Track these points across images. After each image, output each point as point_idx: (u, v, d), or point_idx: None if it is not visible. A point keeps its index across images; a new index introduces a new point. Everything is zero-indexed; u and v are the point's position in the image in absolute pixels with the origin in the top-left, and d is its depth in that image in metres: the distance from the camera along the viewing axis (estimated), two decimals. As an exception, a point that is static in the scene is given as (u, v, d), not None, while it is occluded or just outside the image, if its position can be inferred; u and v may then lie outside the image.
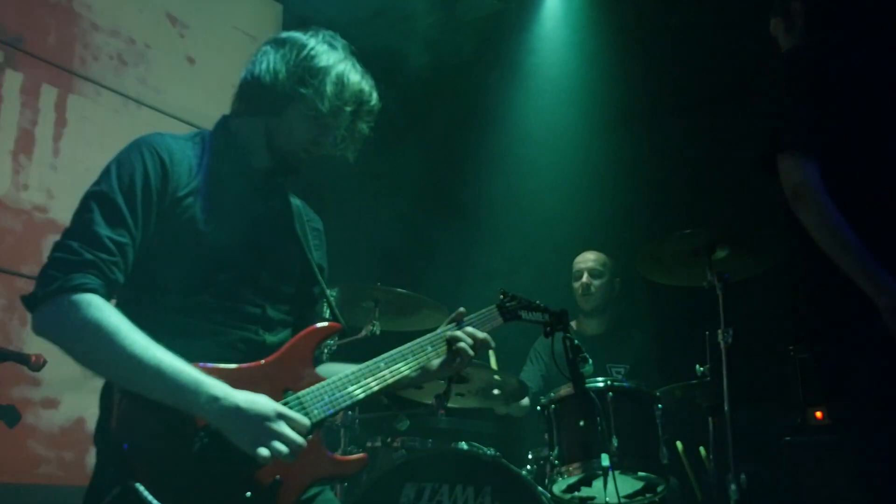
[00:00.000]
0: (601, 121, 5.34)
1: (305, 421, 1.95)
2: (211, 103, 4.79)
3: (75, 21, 4.61)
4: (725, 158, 4.84)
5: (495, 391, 3.99)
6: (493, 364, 4.34)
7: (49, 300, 1.85)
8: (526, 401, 4.34)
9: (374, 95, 2.24)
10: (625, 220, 5.14)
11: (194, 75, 5.11)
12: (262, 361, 2.04)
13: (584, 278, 4.61)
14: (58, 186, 4.38)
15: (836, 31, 2.58)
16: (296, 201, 2.37)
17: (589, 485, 3.56)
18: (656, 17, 5.02)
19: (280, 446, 1.87)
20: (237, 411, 1.86)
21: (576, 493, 3.62)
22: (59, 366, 2.21)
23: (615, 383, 3.64)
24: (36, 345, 2.25)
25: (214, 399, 1.85)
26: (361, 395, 2.11)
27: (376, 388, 2.14)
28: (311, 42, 2.20)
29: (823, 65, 2.48)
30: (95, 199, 1.97)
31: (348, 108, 2.18)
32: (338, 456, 2.08)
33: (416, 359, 2.25)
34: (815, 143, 2.37)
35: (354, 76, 2.20)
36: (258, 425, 1.87)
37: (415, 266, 5.35)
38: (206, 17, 5.22)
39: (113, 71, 4.73)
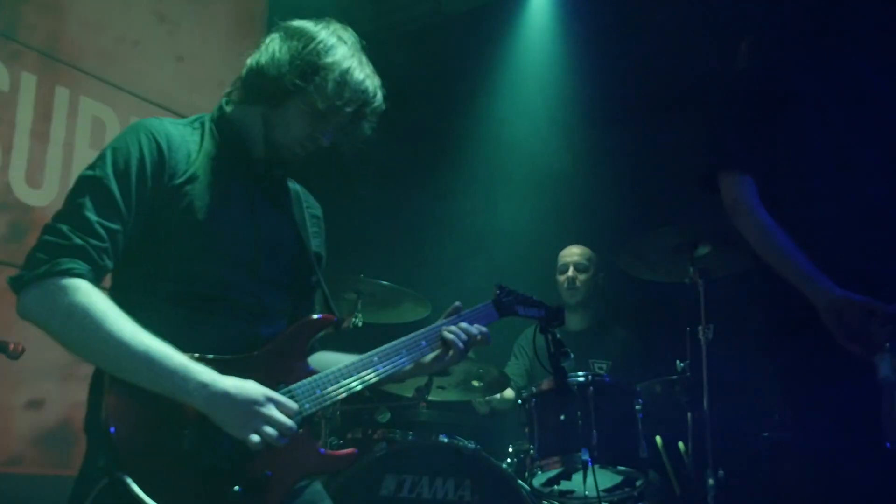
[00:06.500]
0: (586, 116, 5.34)
1: (294, 405, 1.93)
2: (198, 98, 4.78)
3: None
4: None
5: (475, 382, 3.99)
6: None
7: (36, 283, 1.82)
8: (510, 392, 4.35)
9: (379, 95, 2.17)
10: (608, 216, 5.14)
11: (182, 71, 5.05)
12: (255, 352, 2.02)
13: (570, 272, 4.61)
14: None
15: (777, 53, 2.67)
16: (295, 187, 2.34)
17: (568, 478, 3.58)
18: (641, 15, 5.02)
19: (270, 430, 1.86)
20: (226, 396, 1.84)
21: (555, 487, 3.64)
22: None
23: (596, 378, 3.65)
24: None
25: (203, 385, 1.83)
26: (355, 389, 2.09)
27: (370, 383, 2.12)
28: (321, 35, 2.12)
29: (762, 85, 2.58)
30: (89, 183, 1.93)
31: (348, 109, 2.11)
32: (328, 451, 2.06)
33: (411, 354, 2.22)
34: (752, 161, 2.51)
35: (359, 75, 2.12)
36: (248, 410, 1.85)
37: (398, 258, 5.34)
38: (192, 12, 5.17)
39: (101, 66, 4.66)
